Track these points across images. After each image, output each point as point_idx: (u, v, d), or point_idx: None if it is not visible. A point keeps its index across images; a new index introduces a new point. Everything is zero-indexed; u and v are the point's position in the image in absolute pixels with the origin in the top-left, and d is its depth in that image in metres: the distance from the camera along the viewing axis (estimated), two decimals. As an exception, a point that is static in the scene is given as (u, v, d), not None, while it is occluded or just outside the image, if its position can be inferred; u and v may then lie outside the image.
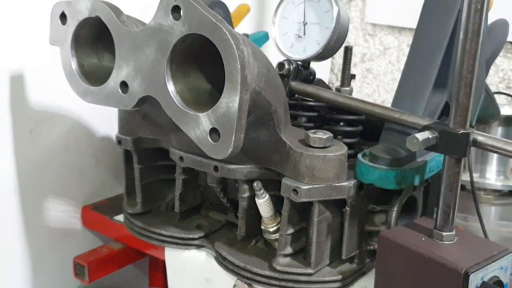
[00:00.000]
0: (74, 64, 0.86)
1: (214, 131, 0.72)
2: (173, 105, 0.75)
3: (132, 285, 1.27)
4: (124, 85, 0.80)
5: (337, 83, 1.71)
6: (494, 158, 1.34)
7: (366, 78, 1.90)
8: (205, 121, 0.72)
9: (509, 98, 1.54)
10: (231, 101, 0.69)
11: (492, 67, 1.44)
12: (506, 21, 1.07)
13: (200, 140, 0.73)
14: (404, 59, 1.68)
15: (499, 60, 1.60)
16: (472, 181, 1.16)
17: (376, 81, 1.88)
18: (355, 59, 1.89)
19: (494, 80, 1.61)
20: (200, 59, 0.79)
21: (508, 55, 1.59)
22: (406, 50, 1.86)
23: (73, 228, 1.19)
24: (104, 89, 0.82)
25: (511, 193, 1.34)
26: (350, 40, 1.90)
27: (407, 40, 1.78)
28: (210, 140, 0.72)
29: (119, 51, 0.79)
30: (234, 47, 0.68)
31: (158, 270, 1.25)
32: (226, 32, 0.68)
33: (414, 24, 0.93)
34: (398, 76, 1.82)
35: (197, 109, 0.74)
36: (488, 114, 1.14)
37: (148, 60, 0.76)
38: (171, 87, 0.75)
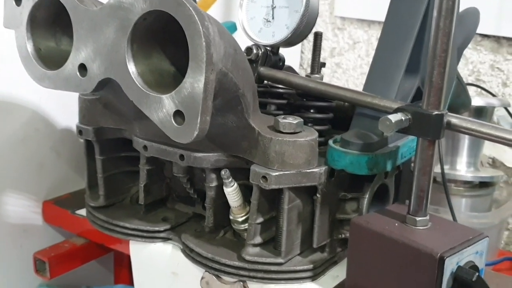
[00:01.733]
0: (30, 48, 0.82)
1: (178, 114, 0.68)
2: (134, 87, 0.71)
3: (97, 282, 1.22)
4: (82, 67, 0.76)
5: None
6: (464, 149, 1.34)
7: (336, 72, 1.88)
8: (168, 103, 0.69)
9: (479, 90, 1.53)
10: (196, 81, 0.66)
11: (461, 59, 1.44)
12: (477, 10, 1.06)
13: (163, 124, 0.70)
14: (373, 53, 1.67)
15: (468, 52, 1.59)
16: (443, 173, 1.14)
17: (346, 76, 1.86)
18: (324, 53, 1.88)
19: (464, 72, 1.61)
20: (163, 40, 0.75)
21: (477, 47, 1.58)
22: (375, 44, 1.85)
23: (34, 223, 1.14)
24: (62, 73, 0.78)
25: (482, 184, 1.33)
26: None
27: (376, 34, 1.76)
28: (174, 123, 0.69)
29: (77, 32, 0.75)
30: (199, 23, 0.64)
31: (123, 266, 1.22)
32: (190, 8, 0.65)
33: (383, 18, 0.91)
34: (367, 70, 1.82)
35: (160, 91, 0.71)
36: (459, 103, 1.13)
37: (108, 40, 0.72)
38: (132, 68, 0.72)
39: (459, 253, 0.70)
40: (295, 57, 1.90)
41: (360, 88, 0.89)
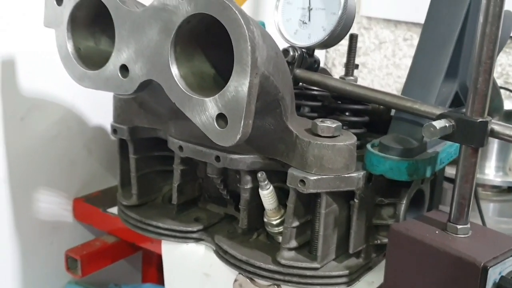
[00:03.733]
0: (70, 47, 0.82)
1: (221, 117, 0.68)
2: (177, 90, 0.71)
3: (124, 280, 1.23)
4: (124, 68, 0.76)
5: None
6: (493, 153, 1.32)
7: (361, 72, 1.87)
8: (211, 106, 0.68)
9: (507, 93, 1.52)
10: (240, 84, 0.66)
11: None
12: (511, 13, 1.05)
13: (206, 126, 0.69)
14: (399, 53, 1.65)
15: (498, 55, 1.57)
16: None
17: (371, 76, 1.85)
18: (350, 53, 1.86)
19: (492, 75, 1.59)
20: (205, 42, 0.75)
21: (506, 50, 1.57)
22: (402, 44, 1.84)
23: (64, 220, 1.15)
24: (103, 73, 0.78)
25: (510, 189, 1.31)
26: (345, 33, 1.87)
27: (403, 34, 1.75)
28: (217, 127, 0.68)
29: (119, 33, 0.75)
30: (245, 27, 0.64)
31: (151, 265, 1.22)
32: (236, 11, 0.65)
33: (410, 18, 0.91)
34: (393, 70, 1.80)
35: (202, 94, 0.71)
36: (493, 107, 1.11)
37: (151, 42, 0.72)
38: (175, 70, 0.71)
39: (502, 262, 0.69)
40: (320, 57, 1.89)
41: (386, 89, 0.89)
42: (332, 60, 1.91)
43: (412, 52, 0.96)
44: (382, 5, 1.76)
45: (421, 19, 0.93)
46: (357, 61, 1.86)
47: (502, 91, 1.51)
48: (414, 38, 1.69)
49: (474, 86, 0.69)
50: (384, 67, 1.82)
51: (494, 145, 1.31)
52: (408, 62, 0.95)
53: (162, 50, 0.71)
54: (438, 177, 0.96)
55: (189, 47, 0.73)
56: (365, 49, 1.85)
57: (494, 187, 1.31)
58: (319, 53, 1.88)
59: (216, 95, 0.68)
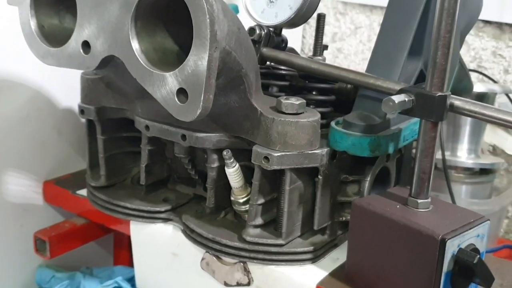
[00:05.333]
0: (33, 25, 0.81)
1: (181, 92, 0.68)
2: (138, 65, 0.71)
3: (96, 263, 1.22)
4: (86, 45, 0.75)
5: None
6: (465, 136, 1.33)
7: (337, 58, 1.88)
8: (171, 80, 0.68)
9: (481, 76, 1.53)
10: (199, 58, 0.66)
11: (463, 46, 1.43)
12: (481, -6, 1.06)
13: (166, 102, 0.69)
14: (375, 38, 1.66)
15: (470, 38, 1.59)
16: (444, 159, 1.14)
17: (347, 61, 1.85)
18: (325, 38, 1.86)
19: (465, 59, 1.60)
20: (167, 18, 0.75)
21: (479, 33, 1.58)
22: (377, 29, 1.84)
23: (34, 203, 1.14)
24: (65, 50, 0.78)
25: (482, 171, 1.32)
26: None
27: (378, 19, 1.75)
28: (178, 101, 0.68)
29: (81, 9, 0.75)
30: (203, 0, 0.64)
31: (123, 247, 1.21)
32: (195, -15, 0.64)
33: (385, 2, 0.91)
34: (369, 55, 1.81)
35: (164, 70, 0.70)
36: (461, 88, 1.12)
37: (112, 17, 0.72)
38: (135, 45, 0.71)
39: (460, 235, 0.70)
40: (297, 42, 1.89)
41: (362, 73, 0.88)
42: (309, 45, 1.91)
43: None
44: (358, -10, 1.77)
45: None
46: (333, 46, 1.87)
47: (475, 74, 1.53)
48: (389, 23, 1.70)
49: (433, 60, 0.70)
50: (360, 52, 1.83)
51: (466, 127, 1.32)
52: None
53: (123, 25, 0.71)
54: (405, 156, 0.97)
55: (151, 22, 0.73)
56: (341, 34, 1.85)
57: (466, 169, 1.32)
58: (296, 38, 1.89)
59: (176, 70, 0.68)
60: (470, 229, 0.71)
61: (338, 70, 0.87)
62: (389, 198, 0.77)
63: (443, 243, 0.68)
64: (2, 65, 1.03)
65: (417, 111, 0.72)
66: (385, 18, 0.89)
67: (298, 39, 1.90)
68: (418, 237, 0.70)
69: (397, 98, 0.70)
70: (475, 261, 0.69)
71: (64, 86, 1.12)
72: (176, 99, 0.68)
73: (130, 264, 1.15)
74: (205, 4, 0.64)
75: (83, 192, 1.08)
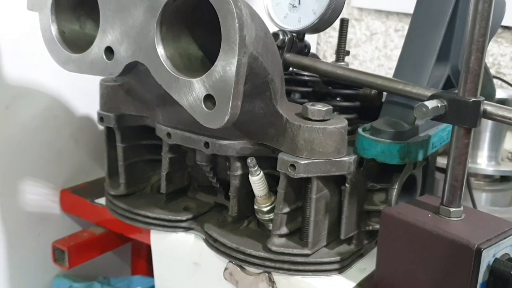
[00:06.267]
0: (54, 30, 0.80)
1: (208, 98, 0.66)
2: (164, 71, 0.69)
3: (114, 273, 1.21)
4: (109, 50, 0.74)
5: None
6: (485, 143, 1.31)
7: (352, 64, 1.86)
8: (198, 87, 0.67)
9: (499, 82, 1.51)
10: (228, 64, 0.64)
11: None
12: (504, 0, 1.04)
13: (193, 108, 0.68)
14: (391, 44, 1.64)
15: (489, 44, 1.56)
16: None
17: (362, 68, 1.83)
18: (341, 44, 1.85)
19: (484, 65, 1.58)
20: (192, 22, 0.73)
21: (498, 39, 1.56)
22: (393, 35, 1.83)
23: (51, 212, 1.13)
24: (87, 56, 0.76)
25: (503, 179, 1.30)
26: (336, 25, 1.86)
27: (394, 25, 1.74)
28: (205, 108, 0.67)
29: (103, 14, 0.74)
30: (232, 4, 0.62)
31: (141, 257, 1.20)
32: (223, -12, 0.63)
33: (401, 8, 0.89)
34: (384, 62, 1.78)
35: (189, 76, 0.69)
36: (485, 94, 1.09)
37: (136, 22, 0.71)
38: (161, 51, 0.70)
39: (495, 245, 0.68)
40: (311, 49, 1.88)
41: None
42: (324, 52, 1.90)
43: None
44: (373, -4, 1.75)
45: (412, 9, 0.91)
46: (348, 53, 1.84)
47: (494, 80, 1.51)
48: (406, 29, 1.67)
49: (466, 65, 0.68)
50: (375, 58, 1.81)
51: (486, 134, 1.30)
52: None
53: (148, 30, 0.70)
54: (430, 165, 0.95)
55: (176, 27, 0.71)
56: (356, 40, 1.84)
57: (486, 176, 1.30)
58: (311, 46, 1.88)
59: (203, 76, 0.66)
60: (505, 238, 0.69)
61: (365, 75, 0.85)
62: (419, 206, 0.75)
63: (478, 252, 0.66)
64: (19, 72, 1.02)
65: (450, 117, 0.70)
66: (412, 23, 0.88)
67: (313, 45, 1.88)
68: (452, 246, 0.67)
69: (430, 104, 0.68)
70: None
71: (81, 93, 1.11)
72: (203, 105, 0.67)
73: (148, 273, 1.14)
74: (234, 8, 0.62)
75: (101, 200, 1.06)
